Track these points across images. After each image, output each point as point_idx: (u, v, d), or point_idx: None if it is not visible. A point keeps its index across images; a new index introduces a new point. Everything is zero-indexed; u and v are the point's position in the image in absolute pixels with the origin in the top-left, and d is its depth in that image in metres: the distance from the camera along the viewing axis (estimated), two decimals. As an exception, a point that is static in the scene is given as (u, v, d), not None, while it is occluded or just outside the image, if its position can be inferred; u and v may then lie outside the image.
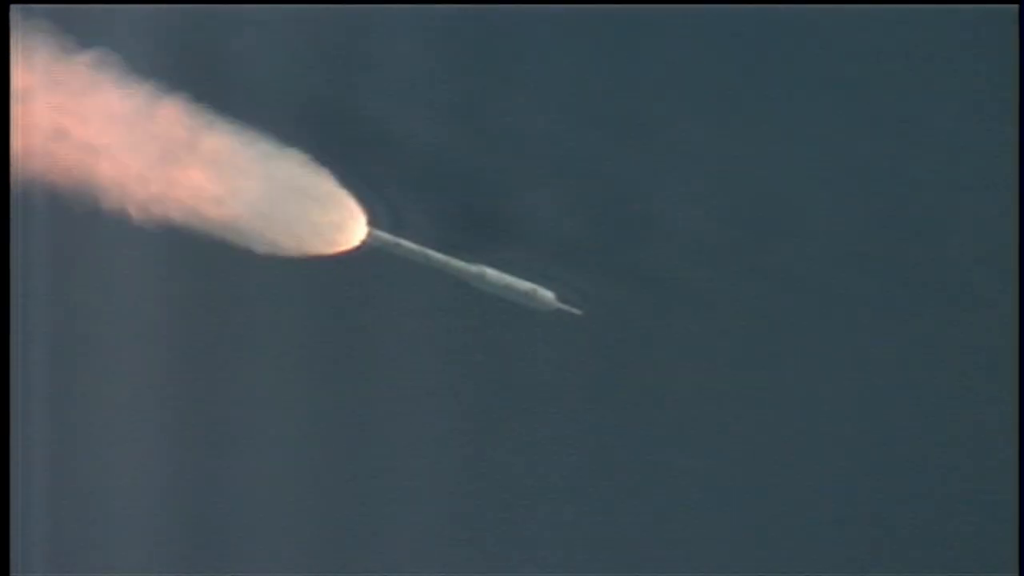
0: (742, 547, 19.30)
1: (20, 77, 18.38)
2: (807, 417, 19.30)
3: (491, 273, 18.34)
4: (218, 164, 18.36)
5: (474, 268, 18.35)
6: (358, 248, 18.54)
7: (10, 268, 18.92)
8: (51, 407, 19.72)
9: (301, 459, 19.62)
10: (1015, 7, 19.06)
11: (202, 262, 19.13)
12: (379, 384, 19.37)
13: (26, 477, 19.47)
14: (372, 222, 18.49)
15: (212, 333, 19.72)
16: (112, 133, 18.48)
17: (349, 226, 18.42)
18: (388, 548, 19.50)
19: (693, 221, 19.22)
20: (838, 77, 19.61)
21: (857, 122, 19.55)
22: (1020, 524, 18.53)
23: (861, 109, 19.55)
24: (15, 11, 18.64)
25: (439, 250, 18.43)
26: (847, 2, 19.38)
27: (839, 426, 19.31)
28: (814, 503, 19.25)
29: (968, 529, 19.00)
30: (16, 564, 18.89)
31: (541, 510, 19.24)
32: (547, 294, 18.41)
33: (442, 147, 19.30)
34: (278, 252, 18.44)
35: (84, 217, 18.75)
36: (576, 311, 18.54)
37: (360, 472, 19.58)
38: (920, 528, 19.13)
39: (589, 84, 19.55)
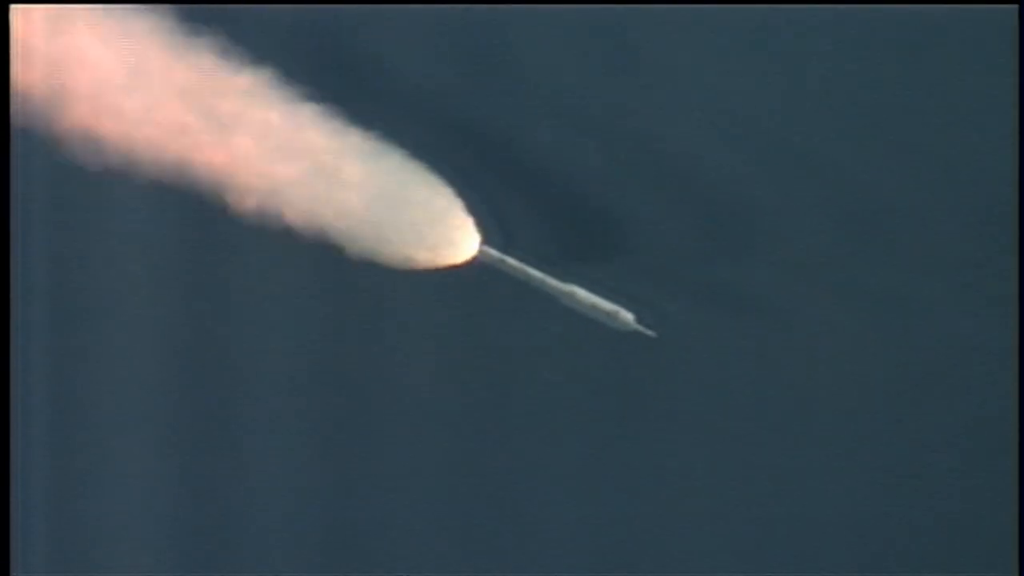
0: (744, 544, 19.34)
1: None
2: (825, 422, 19.41)
3: (581, 293, 19.00)
4: (323, 163, 18.70)
5: (566, 287, 19.03)
6: (467, 264, 19.15)
7: (11, 263, 18.99)
8: (52, 405, 19.74)
9: (310, 463, 19.65)
10: (1015, 7, 19.08)
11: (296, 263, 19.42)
12: (427, 394, 19.66)
13: (26, 477, 19.49)
14: (484, 239, 19.10)
15: (232, 330, 19.81)
16: (209, 125, 18.66)
17: (462, 242, 19.04)
18: (402, 549, 19.57)
19: (800, 234, 19.42)
20: (837, 78, 19.63)
21: (856, 123, 19.58)
22: (1020, 524, 18.54)
23: (860, 109, 19.56)
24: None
25: (537, 266, 19.08)
26: (847, 2, 19.40)
27: (845, 426, 19.37)
28: (815, 502, 19.27)
29: (968, 529, 19.02)
30: (16, 564, 18.89)
31: (580, 531, 19.51)
32: (627, 315, 19.01)
33: (548, 151, 19.68)
34: (385, 262, 18.90)
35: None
36: (651, 333, 18.98)
37: (380, 481, 19.65)
38: (920, 528, 19.14)
39: (713, 83, 19.80)
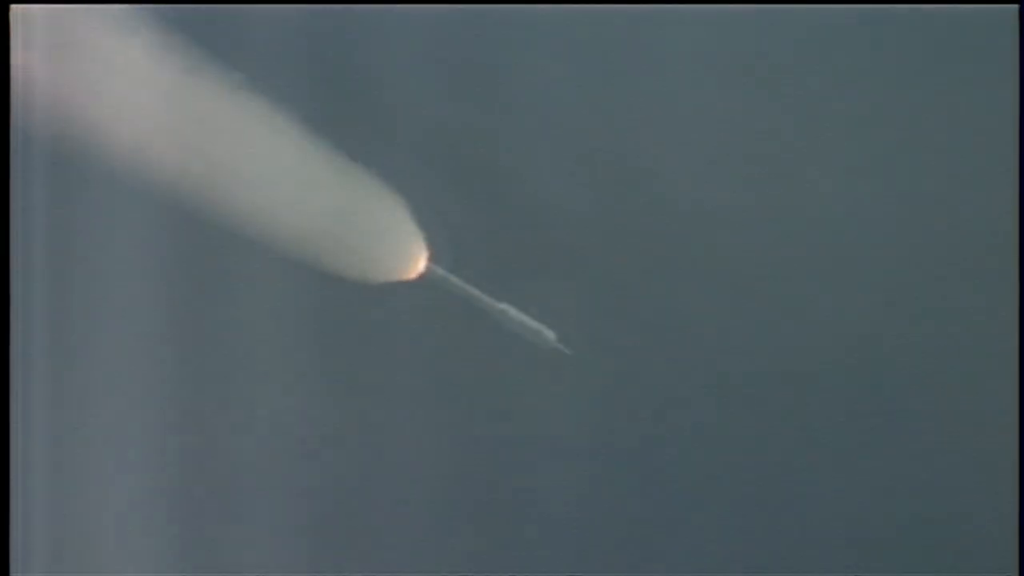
0: (738, 550, 19.35)
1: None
2: (806, 420, 19.41)
3: (512, 312, 19.43)
4: (284, 168, 18.76)
5: (500, 305, 19.41)
6: (412, 280, 19.36)
7: (11, 263, 19.01)
8: (52, 404, 19.77)
9: (304, 463, 19.69)
10: (1015, 7, 19.11)
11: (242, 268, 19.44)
12: (372, 398, 19.73)
13: (26, 477, 19.51)
14: (432, 256, 19.31)
15: (225, 333, 19.84)
16: (162, 119, 18.69)
17: (410, 258, 19.24)
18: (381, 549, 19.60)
19: (765, 250, 19.57)
20: (836, 78, 19.67)
21: (855, 123, 19.60)
22: (1020, 524, 18.55)
23: (859, 110, 19.60)
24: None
25: (480, 283, 19.41)
26: (847, 2, 19.43)
27: (841, 428, 19.39)
28: (813, 503, 19.28)
29: (968, 529, 19.03)
30: (16, 564, 18.91)
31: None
32: (550, 334, 19.42)
33: (514, 167, 19.81)
34: (337, 274, 18.97)
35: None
36: (567, 351, 19.36)
37: (347, 482, 19.73)
38: (919, 527, 19.16)
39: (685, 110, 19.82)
